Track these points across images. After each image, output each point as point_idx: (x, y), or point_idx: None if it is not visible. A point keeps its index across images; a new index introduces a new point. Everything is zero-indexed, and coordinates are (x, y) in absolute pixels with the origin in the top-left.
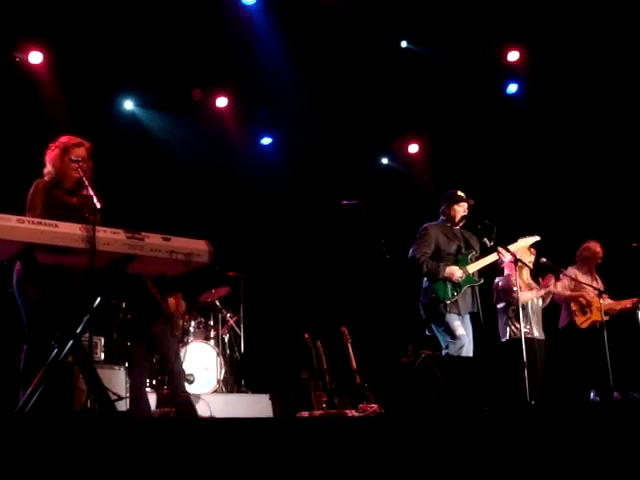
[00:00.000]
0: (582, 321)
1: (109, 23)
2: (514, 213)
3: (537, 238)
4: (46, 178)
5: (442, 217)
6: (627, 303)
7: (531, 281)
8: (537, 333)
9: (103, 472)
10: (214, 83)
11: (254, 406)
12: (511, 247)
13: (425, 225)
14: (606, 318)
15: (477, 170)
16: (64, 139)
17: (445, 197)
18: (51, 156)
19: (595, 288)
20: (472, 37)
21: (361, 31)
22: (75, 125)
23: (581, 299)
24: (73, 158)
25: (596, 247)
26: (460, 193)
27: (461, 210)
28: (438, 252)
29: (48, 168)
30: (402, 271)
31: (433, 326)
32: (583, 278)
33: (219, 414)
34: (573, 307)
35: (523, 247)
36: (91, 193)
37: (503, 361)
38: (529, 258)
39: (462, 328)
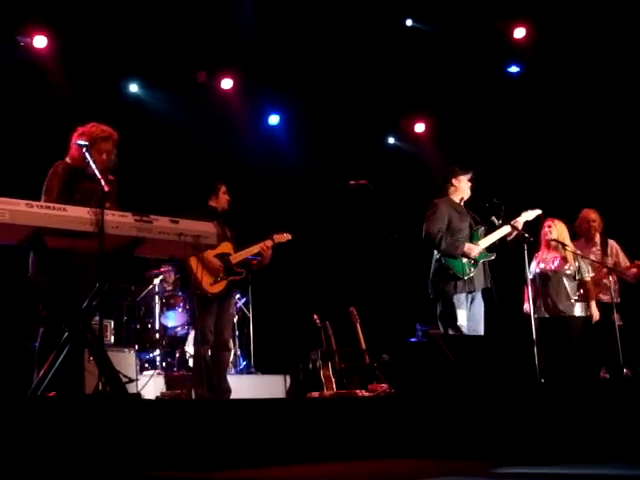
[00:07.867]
0: None
1: (113, 6)
2: (521, 190)
3: (539, 212)
4: (68, 160)
5: (449, 193)
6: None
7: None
8: (564, 309)
9: (114, 454)
10: (219, 65)
11: (264, 387)
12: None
13: (435, 200)
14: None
15: (484, 149)
16: (93, 129)
17: (448, 172)
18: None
19: (599, 263)
20: (478, 14)
21: (366, 10)
22: (81, 108)
23: None
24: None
25: (589, 214)
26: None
27: (466, 179)
28: (450, 227)
29: (72, 152)
30: (410, 250)
31: (438, 305)
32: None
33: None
34: None
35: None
36: (98, 176)
37: (515, 339)
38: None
39: (464, 318)
